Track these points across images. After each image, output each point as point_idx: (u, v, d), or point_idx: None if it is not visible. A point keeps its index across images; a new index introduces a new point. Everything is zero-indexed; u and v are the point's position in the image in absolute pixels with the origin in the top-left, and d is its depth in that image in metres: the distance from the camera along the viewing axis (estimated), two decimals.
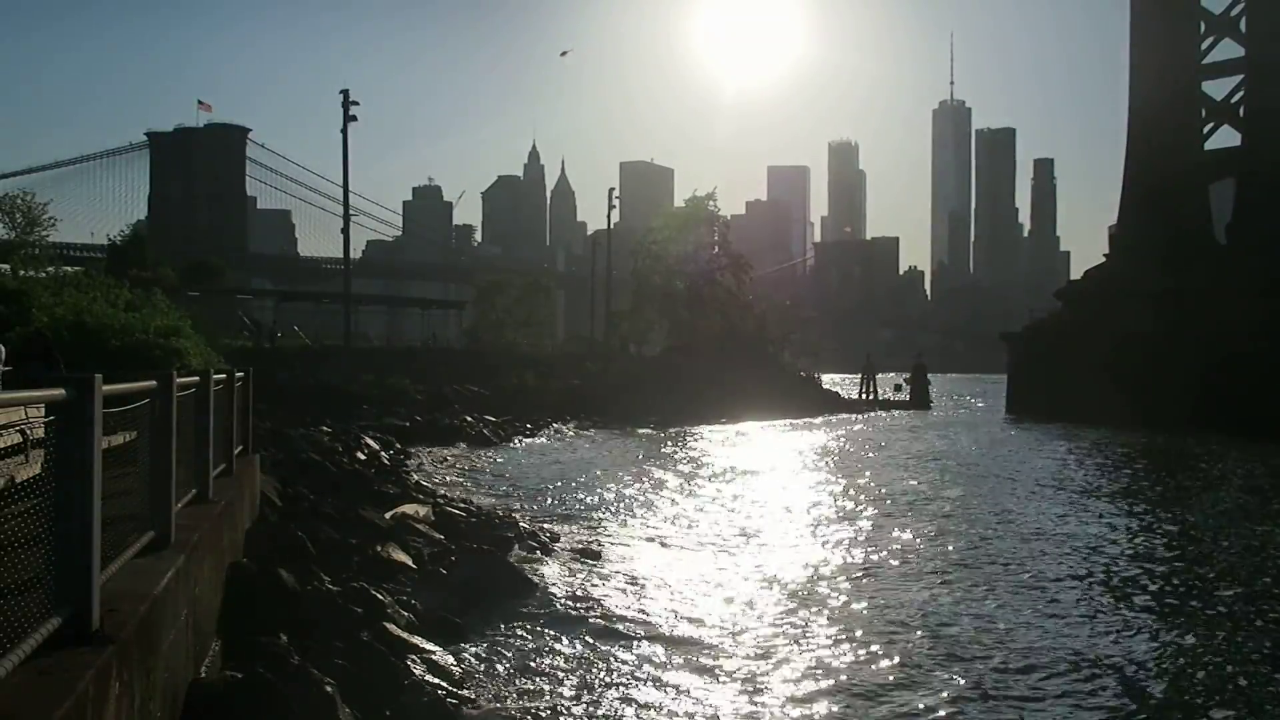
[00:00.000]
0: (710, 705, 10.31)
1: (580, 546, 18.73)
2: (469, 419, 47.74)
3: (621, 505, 25.05)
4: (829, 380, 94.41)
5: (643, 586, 15.87)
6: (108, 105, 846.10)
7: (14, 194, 48.83)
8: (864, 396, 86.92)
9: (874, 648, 12.49)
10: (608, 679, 11.08)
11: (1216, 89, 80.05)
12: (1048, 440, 49.39)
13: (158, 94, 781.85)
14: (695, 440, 47.14)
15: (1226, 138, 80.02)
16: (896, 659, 12.04)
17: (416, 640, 11.28)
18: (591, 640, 12.67)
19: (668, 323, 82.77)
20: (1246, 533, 22.18)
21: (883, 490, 28.63)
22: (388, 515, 18.60)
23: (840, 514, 23.91)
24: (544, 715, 9.98)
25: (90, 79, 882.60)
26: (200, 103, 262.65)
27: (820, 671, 11.51)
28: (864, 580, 16.57)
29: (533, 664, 11.62)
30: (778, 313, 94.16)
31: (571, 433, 49.73)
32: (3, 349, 10.64)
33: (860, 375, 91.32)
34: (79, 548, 5.46)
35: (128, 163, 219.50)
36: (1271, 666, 12.08)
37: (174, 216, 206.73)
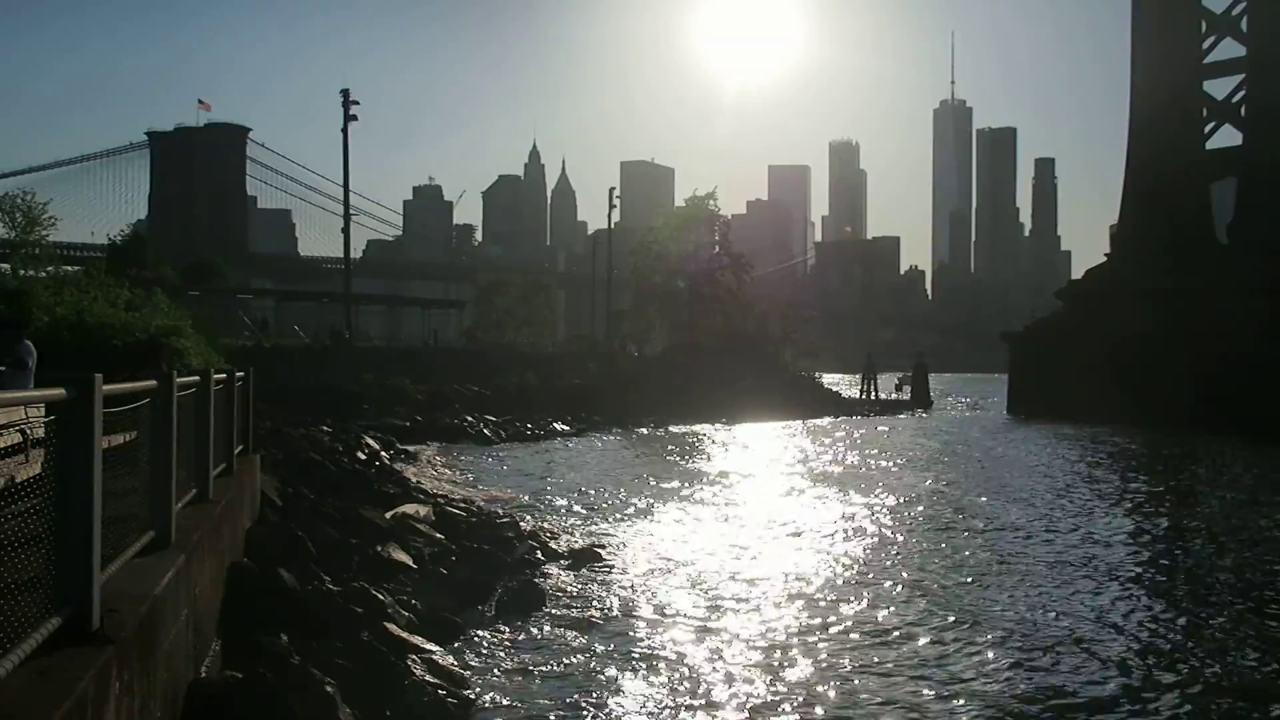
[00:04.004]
0: (710, 705, 10.30)
1: (581, 547, 18.71)
2: (469, 419, 47.70)
3: (623, 505, 25.03)
4: (829, 380, 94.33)
5: (643, 587, 15.86)
6: (108, 105, 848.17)
7: (14, 194, 48.75)
8: (864, 396, 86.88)
9: (876, 647, 12.49)
10: (608, 679, 11.07)
11: (1218, 88, 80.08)
12: (1048, 439, 49.38)
13: (158, 94, 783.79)
14: (696, 440, 47.13)
15: (1228, 137, 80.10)
16: (897, 658, 12.03)
17: (416, 640, 11.28)
18: (592, 640, 12.66)
19: (668, 322, 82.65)
20: (1243, 531, 22.16)
21: (883, 490, 28.61)
22: (388, 515, 18.59)
23: (842, 514, 23.88)
24: (544, 716, 9.98)
25: (90, 79, 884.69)
26: (200, 102, 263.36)
27: (821, 672, 11.50)
28: (866, 581, 16.55)
29: (533, 664, 11.62)
30: (778, 312, 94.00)
31: (572, 432, 49.71)
32: (33, 348, 10.60)
33: (861, 375, 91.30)
34: (79, 548, 5.45)
35: (128, 162, 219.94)
36: (1269, 663, 12.08)
37: (174, 216, 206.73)
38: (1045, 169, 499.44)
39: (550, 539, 19.26)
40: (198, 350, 24.54)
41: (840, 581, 16.38)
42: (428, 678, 10.02)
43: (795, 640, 12.78)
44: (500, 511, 22.36)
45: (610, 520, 22.57)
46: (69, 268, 40.64)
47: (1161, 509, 26.68)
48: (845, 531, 21.34)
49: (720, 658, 11.96)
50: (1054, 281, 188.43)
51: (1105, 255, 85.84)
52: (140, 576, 6.89)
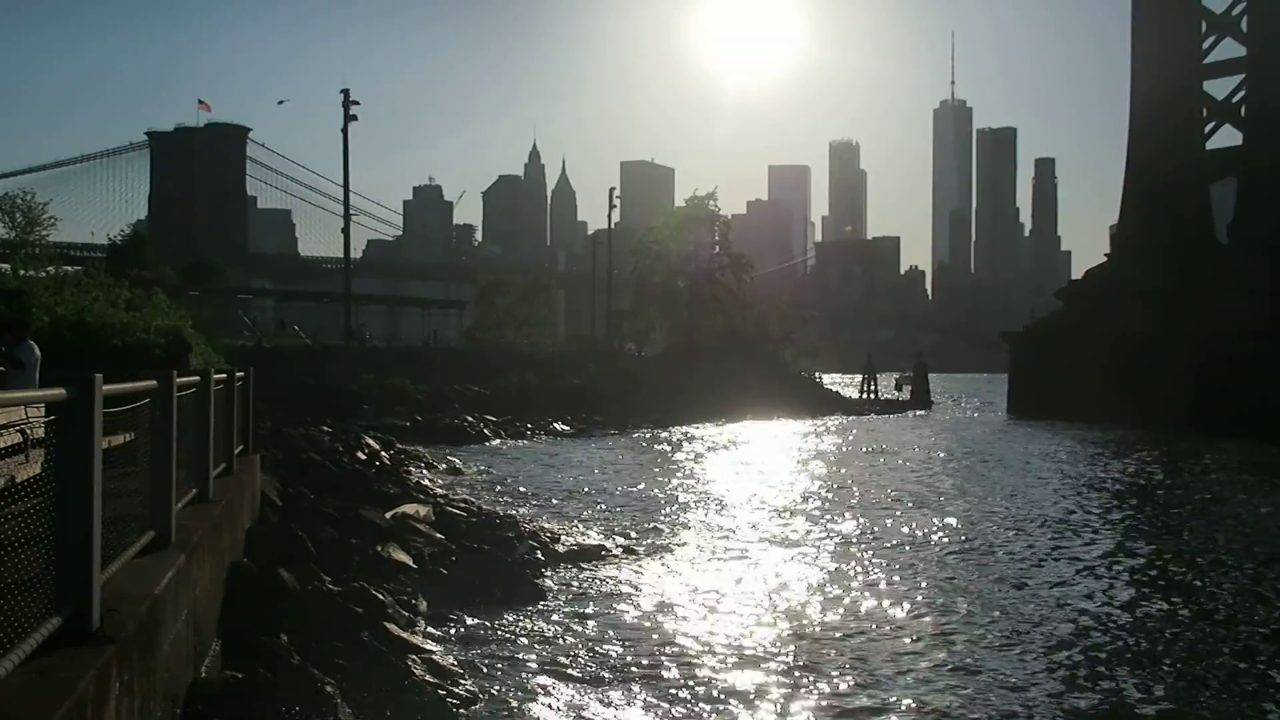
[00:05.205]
0: (709, 706, 10.30)
1: (581, 547, 18.72)
2: (469, 419, 47.71)
3: (623, 506, 25.03)
4: (829, 380, 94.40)
5: (643, 587, 15.87)
6: (108, 105, 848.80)
7: (14, 194, 48.72)
8: (865, 396, 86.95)
9: (872, 650, 12.50)
10: (607, 679, 11.07)
11: (1218, 88, 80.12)
12: (1048, 439, 49.38)
13: (158, 94, 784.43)
14: (696, 440, 47.13)
15: (1228, 137, 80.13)
16: (896, 662, 12.04)
17: (416, 640, 11.29)
18: (591, 641, 12.66)
19: (668, 322, 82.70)
20: (1242, 533, 22.16)
21: (884, 491, 28.63)
22: (388, 515, 18.58)
23: (844, 516, 23.88)
24: (544, 715, 9.99)
25: (90, 79, 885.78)
26: (200, 102, 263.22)
27: (818, 674, 11.49)
28: (863, 584, 16.56)
29: (533, 664, 11.62)
30: (778, 312, 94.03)
31: (572, 432, 49.71)
32: (36, 349, 10.61)
33: (861, 375, 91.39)
34: (79, 548, 5.45)
35: (128, 162, 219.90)
36: (1265, 664, 12.08)
37: (174, 216, 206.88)
38: (1045, 169, 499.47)
39: (550, 539, 19.25)
40: (198, 350, 24.52)
41: (838, 583, 16.37)
42: (428, 678, 10.02)
43: (794, 642, 12.78)
44: (500, 511, 22.35)
45: (610, 520, 22.55)
46: (69, 268, 40.56)
47: (1161, 510, 26.65)
48: (843, 532, 21.33)
49: (720, 658, 11.96)
50: (1054, 281, 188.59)
51: (1105, 255, 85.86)
52: (140, 576, 6.89)
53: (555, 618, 13.78)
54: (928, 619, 14.00)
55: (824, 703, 10.48)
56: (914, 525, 22.18)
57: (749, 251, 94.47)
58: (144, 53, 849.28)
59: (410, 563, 15.47)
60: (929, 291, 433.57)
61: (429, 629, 12.47)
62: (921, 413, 76.93)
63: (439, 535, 18.08)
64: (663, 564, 17.74)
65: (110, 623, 5.65)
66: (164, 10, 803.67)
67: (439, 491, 25.19)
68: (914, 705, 10.43)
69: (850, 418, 67.75)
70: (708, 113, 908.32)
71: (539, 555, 17.66)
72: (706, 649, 12.30)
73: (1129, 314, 65.87)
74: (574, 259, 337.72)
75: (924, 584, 16.25)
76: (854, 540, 20.29)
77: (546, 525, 20.96)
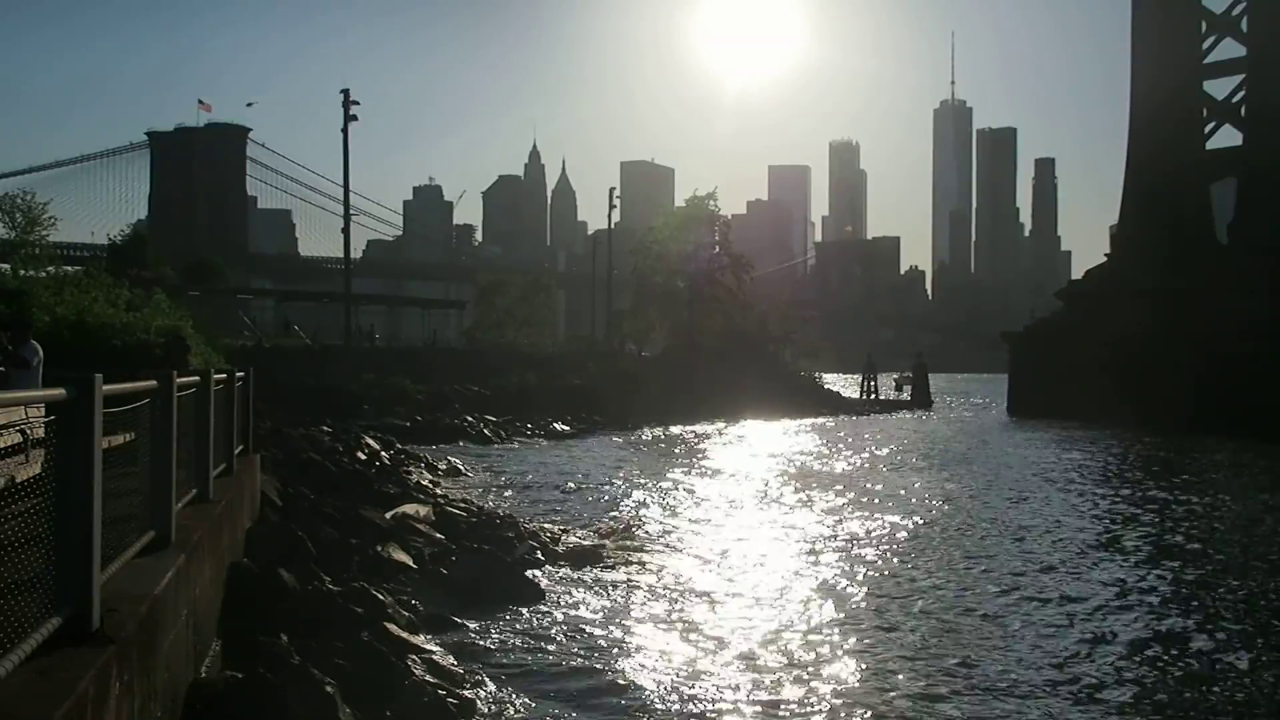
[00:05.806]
0: (708, 706, 10.30)
1: (581, 547, 18.70)
2: (469, 419, 47.70)
3: (623, 506, 25.03)
4: (829, 380, 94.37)
5: (643, 587, 15.87)
6: (108, 105, 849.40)
7: (14, 194, 48.83)
8: (865, 396, 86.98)
9: (873, 653, 12.51)
10: (607, 680, 11.07)
11: (1218, 88, 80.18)
12: (1048, 440, 49.37)
13: (158, 94, 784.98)
14: (696, 440, 47.13)
15: (1228, 137, 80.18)
16: (896, 665, 12.04)
17: (416, 640, 11.29)
18: (591, 640, 12.66)
19: (668, 322, 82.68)
20: (1243, 534, 22.16)
21: (886, 493, 28.63)
22: (388, 515, 18.59)
23: (843, 517, 23.88)
24: (544, 716, 9.99)
25: (90, 79, 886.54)
26: (200, 102, 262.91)
27: (820, 673, 11.50)
28: (865, 586, 16.55)
29: (533, 664, 11.62)
30: (778, 312, 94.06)
31: (572, 432, 49.70)
32: (39, 348, 10.65)
33: (861, 375, 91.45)
34: (79, 548, 5.45)
35: (128, 162, 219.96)
36: (1268, 664, 12.08)
37: (174, 216, 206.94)
38: (1045, 169, 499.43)
39: (550, 539, 19.25)
40: (198, 350, 24.50)
41: (839, 584, 16.37)
42: (428, 678, 10.02)
43: (793, 643, 12.78)
44: (500, 511, 22.35)
45: (611, 520, 22.55)
46: (69, 268, 40.57)
47: (1160, 511, 26.64)
48: (843, 533, 21.33)
49: (718, 659, 11.96)
50: (1054, 281, 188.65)
51: (1105, 255, 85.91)
52: (140, 576, 6.89)
53: (555, 617, 13.78)
54: (924, 618, 13.98)
55: (826, 703, 10.48)
56: (913, 526, 22.18)
57: (749, 251, 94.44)
58: (144, 53, 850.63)
59: (410, 563, 15.47)
60: (929, 291, 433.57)
61: (429, 629, 12.46)
62: (922, 413, 76.92)
63: (439, 535, 18.09)
64: (663, 564, 17.74)
65: (110, 623, 5.66)
66: (164, 10, 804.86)
67: (439, 491, 25.19)
68: (913, 704, 10.43)
69: (850, 418, 67.75)
70: (708, 113, 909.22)
71: (539, 555, 17.65)
72: (707, 648, 12.30)
73: (1129, 314, 65.89)
74: (574, 259, 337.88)
75: (922, 585, 16.25)
76: (854, 541, 20.28)
77: (546, 525, 20.97)
